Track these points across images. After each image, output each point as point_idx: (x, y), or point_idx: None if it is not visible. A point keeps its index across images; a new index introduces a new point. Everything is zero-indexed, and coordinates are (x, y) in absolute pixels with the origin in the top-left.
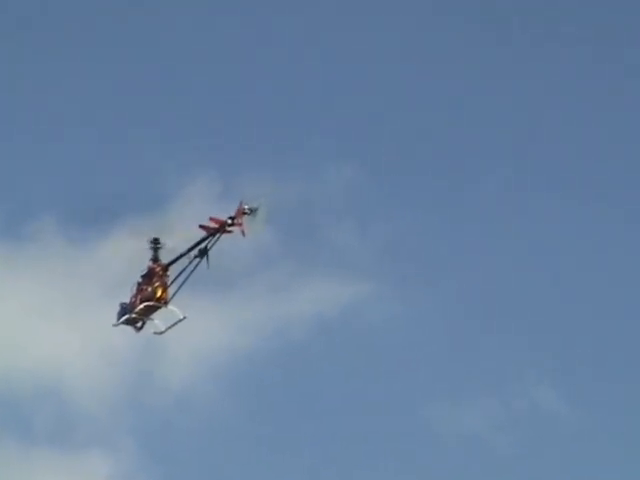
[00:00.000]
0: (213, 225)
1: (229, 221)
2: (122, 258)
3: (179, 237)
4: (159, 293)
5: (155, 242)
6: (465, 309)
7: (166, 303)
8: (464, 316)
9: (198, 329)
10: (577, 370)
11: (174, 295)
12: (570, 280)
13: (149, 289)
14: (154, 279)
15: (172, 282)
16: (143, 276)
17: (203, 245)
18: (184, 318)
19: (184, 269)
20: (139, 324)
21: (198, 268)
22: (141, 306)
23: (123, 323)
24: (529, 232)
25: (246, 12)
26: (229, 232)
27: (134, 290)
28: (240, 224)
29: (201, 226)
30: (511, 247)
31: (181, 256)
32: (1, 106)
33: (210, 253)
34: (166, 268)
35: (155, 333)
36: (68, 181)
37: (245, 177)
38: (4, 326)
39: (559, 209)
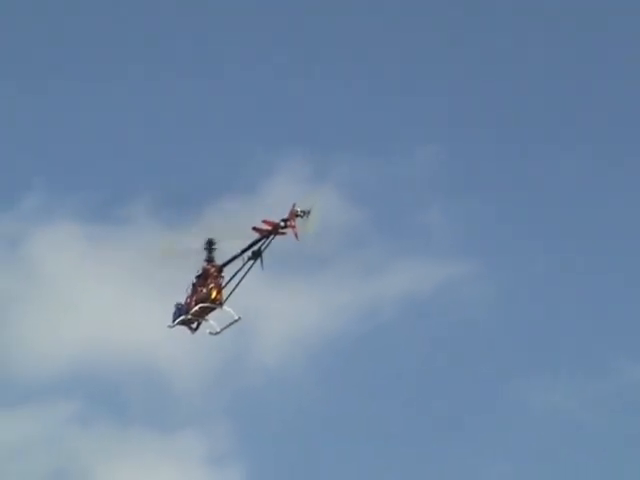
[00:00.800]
0: (266, 227)
1: (282, 223)
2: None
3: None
4: (214, 294)
5: (209, 243)
6: (558, 288)
7: (221, 304)
8: (557, 295)
9: (290, 310)
10: None
11: (229, 296)
12: None
13: (204, 290)
14: (209, 280)
15: (227, 283)
16: (198, 277)
17: (256, 247)
18: (239, 319)
19: (238, 270)
20: (194, 325)
21: (252, 269)
22: (196, 307)
23: (179, 324)
24: (611, 213)
25: None
26: (282, 234)
27: (189, 291)
28: (293, 226)
29: (254, 228)
30: (596, 229)
31: (235, 258)
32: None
33: (264, 254)
34: (220, 269)
35: (210, 334)
36: (160, 165)
37: (335, 158)
38: (101, 309)
39: None
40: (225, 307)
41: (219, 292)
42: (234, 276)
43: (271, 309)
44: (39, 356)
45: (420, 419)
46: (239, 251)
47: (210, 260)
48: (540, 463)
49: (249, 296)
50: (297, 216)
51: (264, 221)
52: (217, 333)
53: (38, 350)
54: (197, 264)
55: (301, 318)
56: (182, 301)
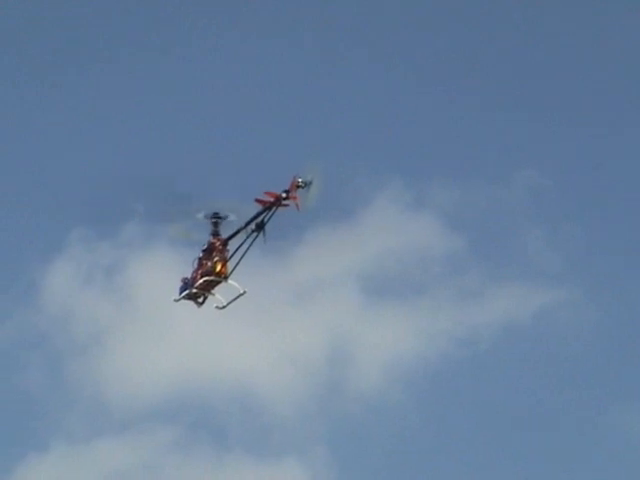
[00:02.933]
0: (268, 199)
1: (284, 195)
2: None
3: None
4: (219, 267)
5: (215, 216)
6: None
7: (226, 278)
8: None
9: (388, 337)
10: None
11: (234, 269)
12: None
13: (209, 264)
14: (214, 254)
15: (232, 256)
16: (203, 251)
17: (260, 219)
18: (244, 292)
19: (242, 243)
20: (200, 299)
21: (256, 242)
22: (201, 281)
23: (184, 298)
24: None
25: None
26: (285, 205)
27: (195, 265)
28: (295, 197)
29: (257, 200)
30: None
31: (239, 230)
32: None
33: (267, 226)
34: (226, 242)
35: (217, 307)
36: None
37: (434, 185)
38: (197, 336)
39: None
40: (230, 280)
41: (224, 265)
42: (238, 249)
43: (369, 336)
44: (137, 384)
45: (519, 446)
46: (243, 224)
47: (216, 234)
48: None
49: (347, 322)
50: (298, 187)
51: (266, 193)
52: (223, 307)
53: (136, 378)
54: (203, 238)
55: (399, 345)
56: (188, 276)
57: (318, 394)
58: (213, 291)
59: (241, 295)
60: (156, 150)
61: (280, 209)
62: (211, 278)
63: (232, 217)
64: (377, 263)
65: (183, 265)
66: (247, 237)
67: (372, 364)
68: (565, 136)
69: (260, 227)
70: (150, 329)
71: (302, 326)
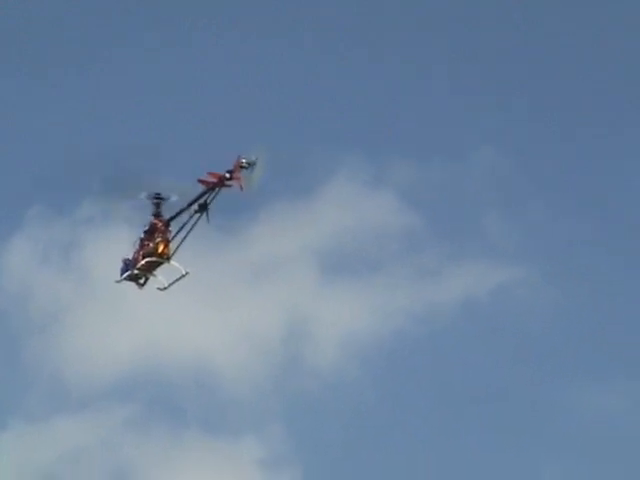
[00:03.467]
0: (211, 179)
1: (227, 175)
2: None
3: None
4: (161, 248)
5: (157, 197)
6: (617, 296)
7: (168, 259)
8: (615, 302)
9: (345, 313)
10: None
11: (176, 250)
12: None
13: (151, 245)
14: (156, 234)
15: (174, 237)
16: (145, 231)
17: (202, 200)
18: (187, 274)
19: (185, 224)
20: (142, 280)
21: (199, 223)
22: (143, 262)
23: (126, 279)
24: None
25: None
26: (228, 186)
27: (136, 246)
28: (238, 178)
29: (200, 180)
30: None
31: (181, 211)
32: None
33: (210, 207)
34: (168, 223)
35: (158, 289)
36: (209, 166)
37: (393, 162)
38: (156, 314)
39: None
40: (172, 262)
41: (166, 246)
42: (180, 230)
43: (325, 313)
44: (95, 363)
45: (476, 422)
46: (185, 205)
47: (157, 215)
48: (597, 467)
49: (303, 300)
50: (242, 167)
51: (209, 173)
52: (165, 288)
53: (94, 357)
54: (144, 219)
55: (355, 322)
56: (129, 257)
57: (275, 372)
58: (155, 272)
59: (183, 276)
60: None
61: (224, 190)
62: (153, 259)
63: (174, 198)
64: (334, 240)
65: None
66: (190, 218)
67: (329, 341)
68: (524, 114)
69: (203, 208)
70: (108, 307)
71: (258, 304)
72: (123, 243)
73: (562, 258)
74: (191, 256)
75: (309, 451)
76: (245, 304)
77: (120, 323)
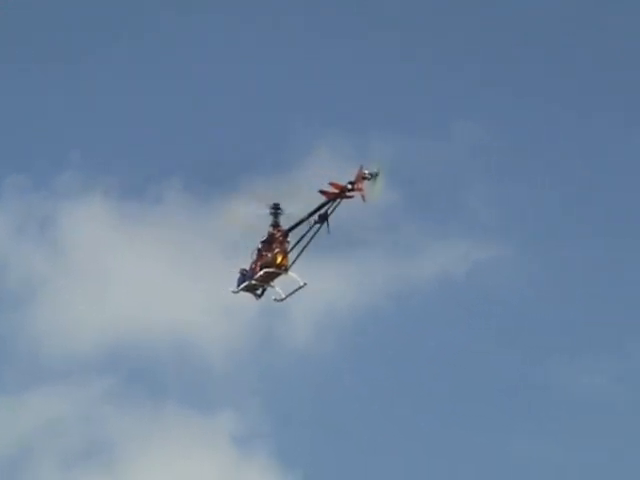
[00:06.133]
0: (333, 190)
1: (349, 186)
2: (241, 220)
3: (299, 203)
4: (279, 259)
5: (275, 208)
6: (597, 273)
7: (286, 269)
8: (595, 280)
9: (322, 289)
10: None
11: (294, 261)
12: None
13: (269, 255)
14: (274, 245)
15: (292, 248)
16: (263, 242)
17: (323, 210)
18: (304, 285)
19: (304, 235)
20: (259, 291)
21: (318, 234)
22: (261, 272)
23: (243, 290)
24: None
25: None
26: (349, 197)
27: (254, 256)
28: (360, 189)
29: (321, 191)
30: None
31: (301, 222)
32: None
33: (330, 218)
34: (286, 234)
35: (275, 300)
36: (196, 142)
37: (373, 137)
38: (135, 287)
39: None
40: (290, 273)
41: (284, 257)
42: (299, 241)
43: (302, 289)
44: (73, 336)
45: (454, 398)
46: (305, 215)
47: (276, 225)
48: (576, 442)
49: (276, 282)
50: (364, 179)
51: (331, 184)
52: (282, 299)
53: (72, 330)
54: (262, 229)
55: (332, 298)
56: (246, 267)
57: (252, 346)
58: (272, 283)
59: (301, 287)
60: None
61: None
62: (271, 270)
63: (292, 209)
64: None
65: (118, 218)
66: (310, 229)
67: (305, 316)
68: (505, 89)
69: (323, 218)
70: (85, 280)
71: (235, 276)
72: (100, 217)
73: (542, 235)
74: (170, 230)
75: (285, 425)
76: (223, 278)
77: (98, 296)
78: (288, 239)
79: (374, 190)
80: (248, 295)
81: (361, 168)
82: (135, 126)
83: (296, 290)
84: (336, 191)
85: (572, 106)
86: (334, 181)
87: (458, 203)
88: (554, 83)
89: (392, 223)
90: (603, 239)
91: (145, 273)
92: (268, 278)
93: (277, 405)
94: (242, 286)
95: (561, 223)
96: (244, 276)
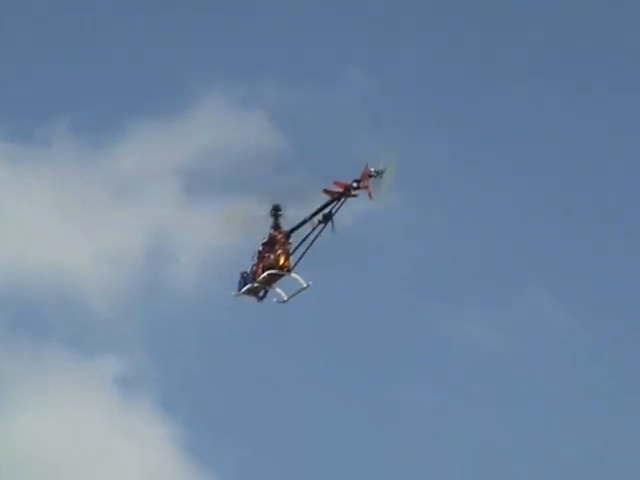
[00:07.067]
0: (337, 189)
1: (354, 184)
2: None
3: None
4: (282, 261)
5: (276, 209)
6: (479, 221)
7: (289, 271)
8: (471, 227)
9: (208, 234)
10: (578, 279)
11: (297, 263)
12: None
13: (271, 257)
14: (276, 246)
15: (295, 249)
16: (264, 244)
17: (327, 210)
18: (308, 286)
19: (307, 235)
20: (261, 293)
21: (322, 234)
22: (264, 275)
23: (245, 293)
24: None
25: None
26: (354, 196)
27: (255, 259)
28: (367, 187)
29: (325, 190)
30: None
31: (304, 222)
32: None
33: (335, 218)
34: (288, 235)
35: (278, 302)
36: (84, 84)
37: (263, 82)
38: (20, 229)
39: None
40: (293, 274)
41: (287, 259)
42: (303, 242)
43: (188, 233)
44: None
45: (325, 348)
46: (308, 215)
47: (276, 226)
48: (444, 389)
49: (167, 219)
50: (370, 177)
51: (335, 182)
52: (284, 301)
53: None
54: (262, 231)
55: (218, 243)
56: (247, 270)
57: (137, 290)
58: (274, 285)
59: (304, 289)
60: None
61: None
62: (274, 272)
63: (292, 208)
64: (201, 160)
65: (3, 159)
66: (313, 229)
67: (191, 261)
68: (390, 35)
69: (328, 218)
70: None
71: (122, 221)
72: None
73: (429, 185)
74: (57, 173)
75: (170, 371)
76: (108, 220)
77: None
78: (290, 240)
79: (381, 188)
80: (249, 298)
81: (367, 166)
82: (24, 66)
83: (299, 291)
84: (341, 190)
85: (463, 50)
86: (338, 180)
87: (345, 150)
88: (442, 29)
89: (278, 168)
90: (495, 192)
91: (30, 216)
92: (271, 280)
93: (162, 350)
94: (244, 289)
95: (448, 174)
96: (245, 279)
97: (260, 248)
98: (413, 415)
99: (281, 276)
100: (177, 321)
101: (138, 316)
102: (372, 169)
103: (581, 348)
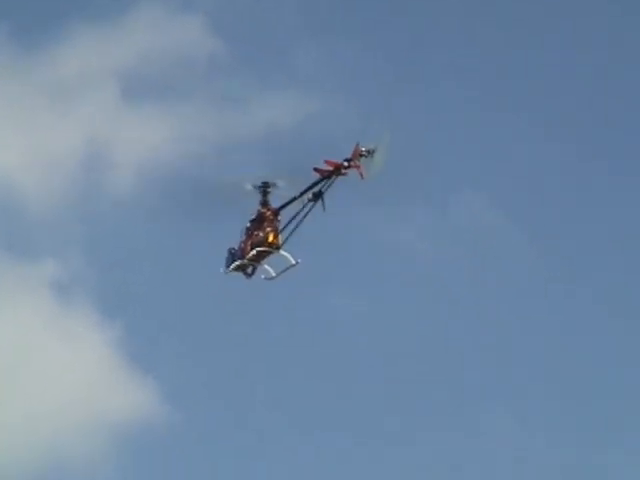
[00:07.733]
0: (328, 168)
1: (345, 163)
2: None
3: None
4: (271, 238)
5: (264, 186)
6: (421, 124)
7: (278, 248)
8: (417, 135)
9: (147, 139)
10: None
11: (286, 240)
12: None
13: (260, 234)
14: (265, 224)
15: (284, 227)
16: (252, 221)
17: (317, 188)
18: (297, 263)
19: (297, 213)
20: (249, 270)
21: (312, 212)
22: (253, 252)
23: (233, 270)
24: None
25: None
26: (344, 175)
27: (243, 236)
28: (357, 166)
29: (315, 169)
30: None
31: (294, 200)
32: None
33: (325, 196)
34: (277, 212)
35: (266, 279)
36: None
37: None
38: None
39: None
40: (282, 251)
41: (276, 236)
42: (292, 219)
43: (127, 138)
44: None
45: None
46: (297, 193)
47: (265, 203)
48: (376, 293)
49: (104, 123)
50: (361, 156)
51: (326, 161)
52: (273, 278)
53: None
54: (250, 208)
55: (157, 148)
56: (235, 246)
57: (76, 195)
58: (262, 262)
59: (293, 266)
60: None
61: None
62: (263, 249)
63: (281, 184)
64: (138, 64)
65: None
66: (303, 207)
67: (129, 167)
68: None
69: (318, 196)
70: None
71: (59, 126)
72: None
73: (372, 90)
74: None
75: (107, 277)
76: (45, 125)
77: None
78: (279, 217)
79: (372, 167)
80: (238, 274)
81: (358, 145)
82: None
83: (288, 268)
84: (331, 169)
85: None
86: (329, 159)
87: (285, 56)
88: None
89: (217, 73)
90: (433, 97)
91: None
92: (259, 257)
93: (100, 255)
94: (233, 266)
95: (393, 81)
96: (233, 255)
97: (248, 225)
98: (345, 321)
99: (270, 253)
100: (116, 226)
101: (76, 221)
102: (363, 148)
103: (517, 251)
